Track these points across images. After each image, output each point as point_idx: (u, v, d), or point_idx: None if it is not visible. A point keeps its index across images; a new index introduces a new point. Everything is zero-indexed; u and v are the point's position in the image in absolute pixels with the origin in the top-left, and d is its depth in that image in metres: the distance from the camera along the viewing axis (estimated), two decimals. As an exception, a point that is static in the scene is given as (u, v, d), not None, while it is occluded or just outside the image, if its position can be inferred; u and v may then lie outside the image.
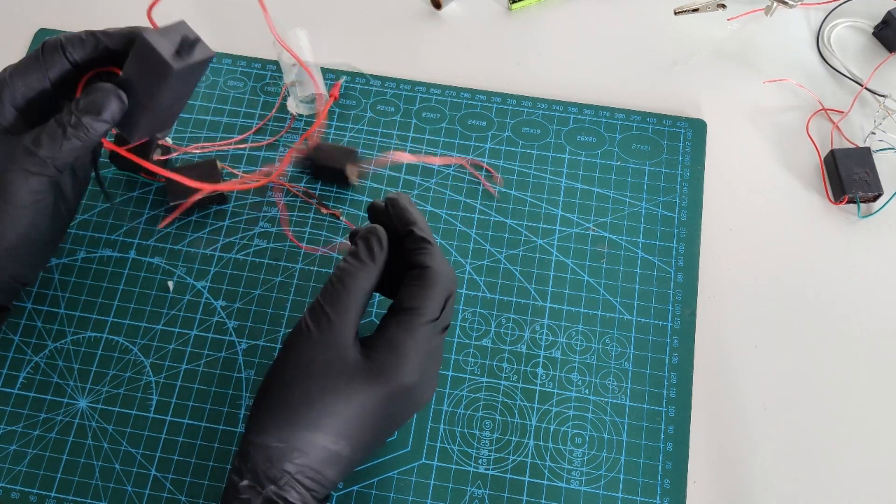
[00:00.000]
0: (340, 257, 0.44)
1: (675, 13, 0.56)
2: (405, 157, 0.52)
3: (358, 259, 0.38)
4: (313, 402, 0.36)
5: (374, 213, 0.41)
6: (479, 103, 0.54)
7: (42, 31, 0.56)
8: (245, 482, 0.35)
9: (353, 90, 0.55)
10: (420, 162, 0.52)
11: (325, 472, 0.36)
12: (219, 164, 0.50)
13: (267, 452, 0.35)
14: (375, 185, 0.52)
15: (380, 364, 0.36)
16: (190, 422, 0.46)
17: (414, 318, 0.37)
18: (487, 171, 0.52)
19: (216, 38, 0.57)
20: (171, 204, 0.48)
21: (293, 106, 0.53)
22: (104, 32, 0.41)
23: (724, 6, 0.56)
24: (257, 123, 0.53)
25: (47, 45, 0.40)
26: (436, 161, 0.52)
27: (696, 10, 0.56)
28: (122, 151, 0.40)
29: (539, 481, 0.44)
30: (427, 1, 0.59)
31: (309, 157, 0.50)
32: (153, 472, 0.44)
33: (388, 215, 0.40)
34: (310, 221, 0.51)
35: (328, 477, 0.36)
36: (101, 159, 0.51)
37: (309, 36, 0.54)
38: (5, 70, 0.40)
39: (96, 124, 0.38)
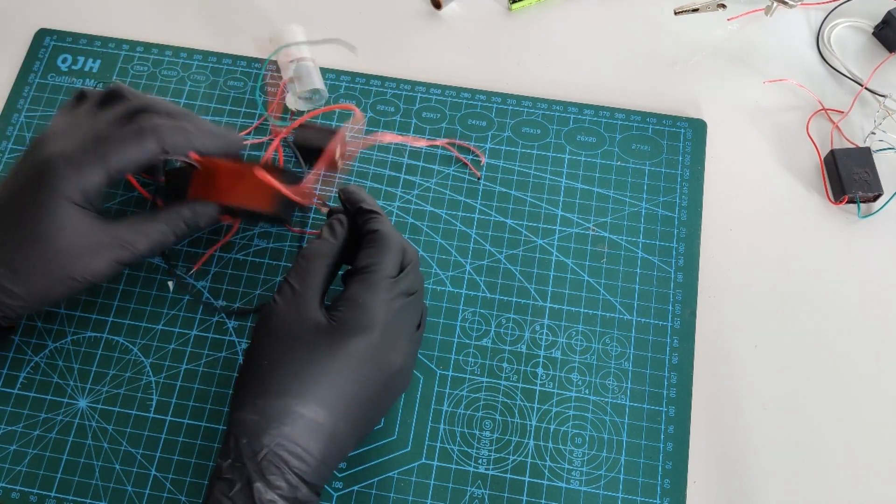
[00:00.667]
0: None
1: (676, 13, 0.56)
2: (390, 138, 0.52)
3: (319, 237, 0.41)
4: (281, 367, 0.37)
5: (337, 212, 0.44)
6: (479, 103, 0.54)
7: (42, 31, 0.56)
8: (228, 462, 0.36)
9: (353, 90, 0.55)
10: (405, 143, 0.52)
11: (305, 445, 0.36)
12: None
13: (245, 427, 0.36)
14: (376, 185, 0.52)
15: (339, 319, 0.38)
16: (190, 422, 0.46)
17: (369, 275, 0.39)
18: (473, 152, 0.52)
19: (216, 38, 0.57)
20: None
21: (292, 102, 0.53)
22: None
23: (724, 6, 0.56)
24: (255, 122, 0.53)
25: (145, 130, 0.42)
26: (421, 143, 0.52)
27: (696, 10, 0.56)
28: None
29: (539, 481, 0.44)
30: (427, 1, 0.59)
31: (294, 137, 0.49)
32: (153, 472, 0.44)
33: (345, 208, 0.43)
34: (309, 222, 0.51)
35: (311, 451, 0.36)
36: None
37: (305, 32, 0.54)
38: (107, 152, 0.41)
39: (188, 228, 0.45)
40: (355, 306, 0.38)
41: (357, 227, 0.42)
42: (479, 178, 0.52)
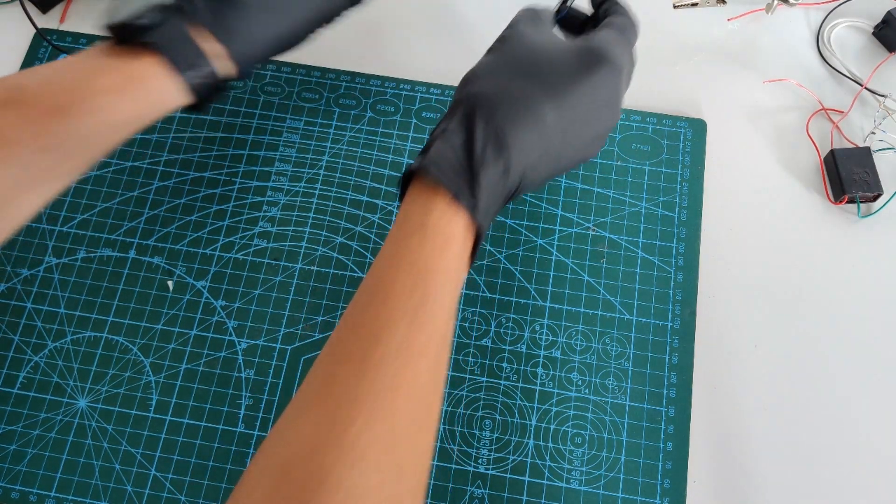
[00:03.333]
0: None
1: (674, 7, 0.56)
2: None
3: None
4: (532, 68, 0.37)
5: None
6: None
7: (42, 31, 0.56)
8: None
9: (353, 90, 0.55)
10: None
11: (529, 140, 0.35)
12: None
13: (482, 99, 0.36)
14: (375, 185, 0.52)
15: (595, 46, 0.38)
16: (190, 421, 0.46)
17: (621, 31, 0.40)
18: None
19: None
20: None
21: None
22: None
23: (724, 2, 0.56)
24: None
25: None
26: None
27: (695, 5, 0.56)
28: None
29: (539, 481, 0.44)
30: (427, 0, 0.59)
31: None
32: (153, 471, 0.44)
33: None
34: (310, 221, 0.51)
35: (531, 150, 0.36)
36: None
37: None
38: None
39: None
40: (608, 43, 0.38)
41: (596, 15, 0.43)
42: None
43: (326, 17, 0.44)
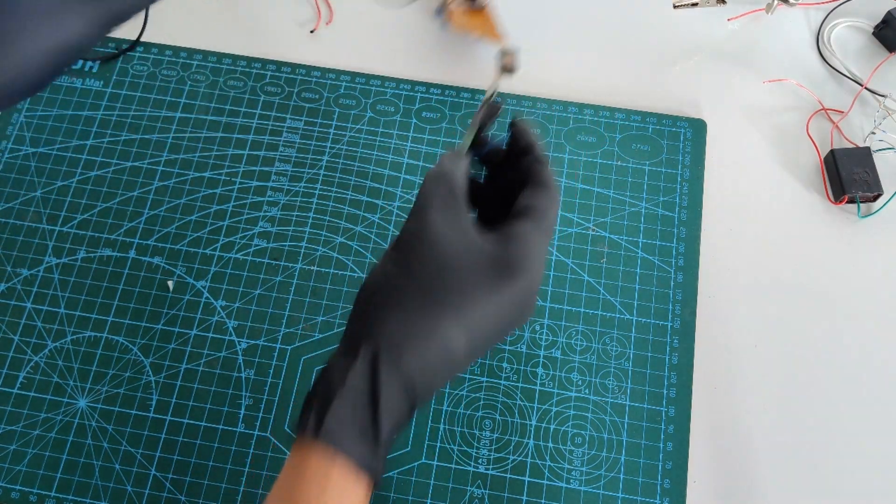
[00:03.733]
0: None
1: (674, 7, 0.56)
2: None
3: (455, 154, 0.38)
4: (438, 285, 0.33)
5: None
6: (480, 103, 0.54)
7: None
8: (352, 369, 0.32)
9: (353, 90, 0.55)
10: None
11: (437, 372, 0.32)
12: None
13: (387, 339, 0.32)
14: (375, 185, 0.52)
15: (508, 254, 0.34)
16: (190, 421, 0.46)
17: (539, 219, 0.35)
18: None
19: (216, 38, 0.57)
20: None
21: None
22: None
23: (724, 2, 0.56)
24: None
25: None
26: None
27: (695, 5, 0.56)
28: None
29: (539, 481, 0.44)
30: (426, 0, 0.59)
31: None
32: (153, 471, 0.44)
33: (511, 141, 0.39)
34: (310, 221, 0.51)
35: (438, 380, 0.33)
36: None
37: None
38: None
39: None
40: (525, 245, 0.34)
41: (517, 164, 0.38)
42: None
43: (68, 56, 0.34)
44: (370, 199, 0.51)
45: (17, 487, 0.44)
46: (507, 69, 0.43)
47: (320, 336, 0.48)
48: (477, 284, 0.33)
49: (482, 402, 0.46)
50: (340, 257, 0.50)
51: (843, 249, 0.51)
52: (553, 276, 0.49)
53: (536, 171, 0.37)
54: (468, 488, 0.44)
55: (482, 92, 0.55)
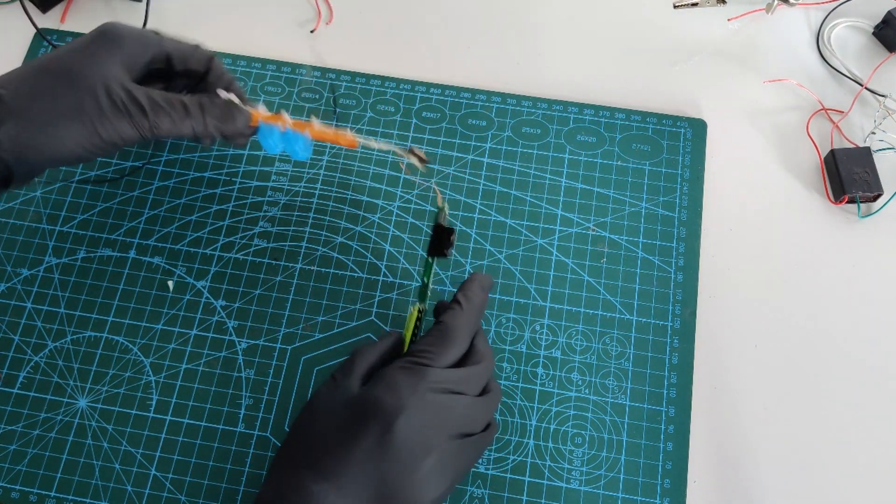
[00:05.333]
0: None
1: (675, 7, 0.56)
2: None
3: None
4: (303, 439, 0.36)
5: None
6: (479, 103, 0.54)
7: (42, 32, 0.56)
8: None
9: (353, 90, 0.55)
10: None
11: None
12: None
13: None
14: (376, 185, 0.52)
15: (368, 395, 0.36)
16: (190, 421, 0.46)
17: (417, 362, 0.37)
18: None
19: (216, 38, 0.57)
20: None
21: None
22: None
23: (724, 2, 0.56)
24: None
25: None
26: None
27: (695, 5, 0.56)
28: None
29: (539, 481, 0.44)
30: (427, 1, 0.59)
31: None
32: (153, 471, 0.44)
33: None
34: (310, 221, 0.51)
35: None
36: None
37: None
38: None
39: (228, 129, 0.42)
40: (389, 387, 0.36)
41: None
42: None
43: (106, 153, 0.41)
44: (370, 199, 0.51)
45: (18, 487, 0.44)
46: (421, 160, 0.45)
47: (320, 336, 0.48)
48: (337, 437, 0.35)
49: (482, 402, 0.46)
50: (340, 257, 0.50)
51: (843, 249, 0.51)
52: (553, 276, 0.49)
53: (439, 315, 0.40)
54: (468, 488, 0.44)
55: (483, 92, 0.55)
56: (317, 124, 0.44)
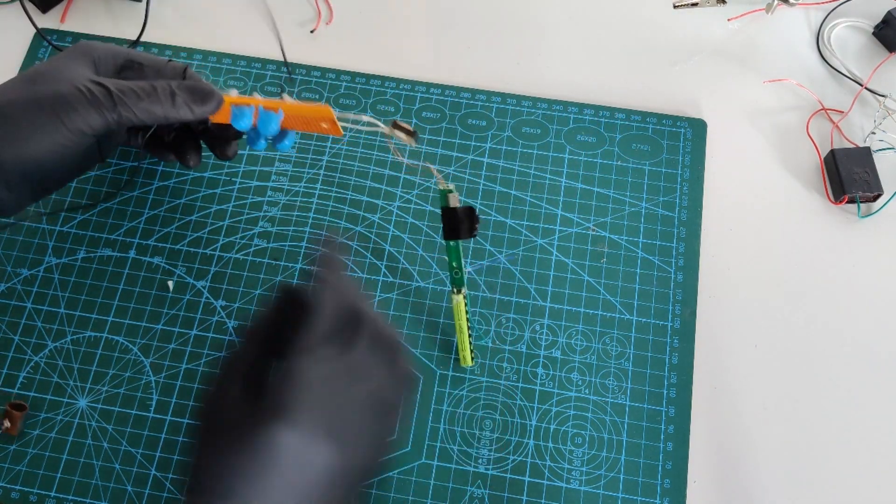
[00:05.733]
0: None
1: (675, 7, 0.56)
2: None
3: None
4: (203, 460, 0.34)
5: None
6: (479, 103, 0.54)
7: (42, 32, 0.56)
8: None
9: (353, 90, 0.55)
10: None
11: None
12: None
13: None
14: (376, 185, 0.52)
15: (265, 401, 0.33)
16: (190, 421, 0.46)
17: (288, 349, 0.34)
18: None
19: (216, 38, 0.57)
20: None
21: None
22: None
23: (724, 2, 0.56)
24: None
25: None
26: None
27: (695, 5, 0.56)
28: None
29: (539, 481, 0.44)
30: (427, 1, 0.59)
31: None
32: (153, 471, 0.44)
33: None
34: (310, 221, 0.51)
35: None
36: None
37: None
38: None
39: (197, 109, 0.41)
40: (290, 382, 0.33)
41: None
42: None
43: (78, 146, 0.41)
44: (370, 199, 0.51)
45: (18, 487, 0.44)
46: (408, 133, 0.42)
47: (320, 336, 0.48)
48: (230, 433, 0.33)
49: (482, 402, 0.46)
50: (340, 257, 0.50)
51: (843, 249, 0.51)
52: (553, 276, 0.49)
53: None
54: (468, 488, 0.44)
55: (483, 92, 0.55)
56: (288, 99, 0.43)
